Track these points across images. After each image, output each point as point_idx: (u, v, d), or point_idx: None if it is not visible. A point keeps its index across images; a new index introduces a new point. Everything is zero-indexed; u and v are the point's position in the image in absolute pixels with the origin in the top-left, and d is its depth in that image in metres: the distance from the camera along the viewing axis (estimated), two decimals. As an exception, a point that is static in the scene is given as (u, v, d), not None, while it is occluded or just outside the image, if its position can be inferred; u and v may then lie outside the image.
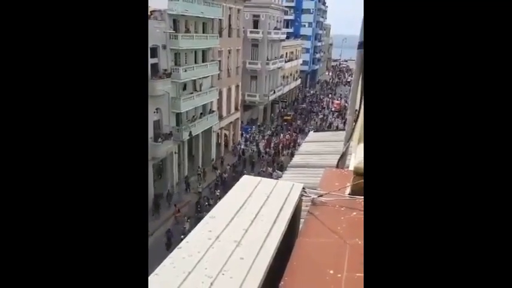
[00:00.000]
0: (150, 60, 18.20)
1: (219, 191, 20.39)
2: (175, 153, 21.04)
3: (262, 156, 27.19)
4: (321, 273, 1.63)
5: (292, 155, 12.07)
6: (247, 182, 2.35)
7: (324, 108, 42.96)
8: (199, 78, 22.64)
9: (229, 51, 27.79)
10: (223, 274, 1.48)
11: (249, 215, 1.93)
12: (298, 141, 24.49)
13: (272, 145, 29.26)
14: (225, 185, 21.05)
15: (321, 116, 38.81)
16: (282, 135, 31.56)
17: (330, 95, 49.58)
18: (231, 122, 29.52)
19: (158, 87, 18.09)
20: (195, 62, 22.48)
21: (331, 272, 1.64)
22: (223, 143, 28.65)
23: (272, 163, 25.15)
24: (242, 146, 28.94)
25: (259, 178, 2.44)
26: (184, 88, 21.91)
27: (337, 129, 17.56)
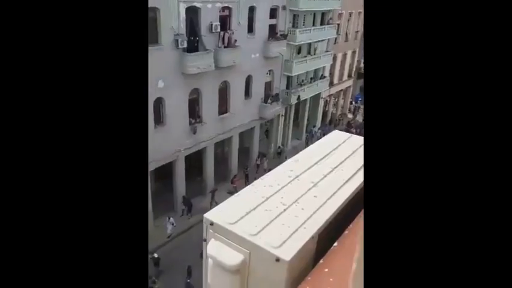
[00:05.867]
0: (269, 21, 18.59)
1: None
2: (282, 116, 21.70)
3: None
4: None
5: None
6: (336, 136, 2.42)
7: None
8: (315, 42, 22.14)
9: (350, 14, 26.05)
10: (296, 205, 1.65)
11: (331, 164, 2.02)
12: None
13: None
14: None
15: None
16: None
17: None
18: (341, 90, 28.41)
19: (273, 49, 18.52)
20: (313, 25, 21.94)
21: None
22: (330, 111, 27.98)
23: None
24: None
25: (349, 134, 2.47)
26: (299, 51, 21.82)
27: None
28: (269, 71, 19.82)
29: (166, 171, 15.87)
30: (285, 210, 1.63)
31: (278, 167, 2.03)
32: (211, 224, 1.55)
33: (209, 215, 1.58)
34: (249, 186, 1.81)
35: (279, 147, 22.44)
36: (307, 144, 22.66)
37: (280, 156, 21.52)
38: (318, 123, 26.06)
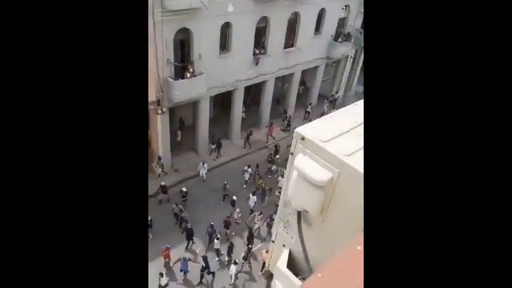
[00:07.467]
0: None
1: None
2: (350, 57, 20.30)
3: None
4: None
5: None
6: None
7: None
8: (404, -24, 19.34)
9: None
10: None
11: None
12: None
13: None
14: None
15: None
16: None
17: None
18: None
19: (355, -20, 16.64)
20: (406, -46, 18.97)
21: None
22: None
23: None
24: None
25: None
26: (383, -14, 19.37)
27: None
28: (345, 6, 18.09)
29: (225, 100, 16.25)
30: (362, 148, 1.55)
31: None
32: (303, 138, 1.53)
33: (301, 130, 1.56)
34: (342, 109, 1.74)
35: (332, 95, 21.06)
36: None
37: (332, 104, 20.32)
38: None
